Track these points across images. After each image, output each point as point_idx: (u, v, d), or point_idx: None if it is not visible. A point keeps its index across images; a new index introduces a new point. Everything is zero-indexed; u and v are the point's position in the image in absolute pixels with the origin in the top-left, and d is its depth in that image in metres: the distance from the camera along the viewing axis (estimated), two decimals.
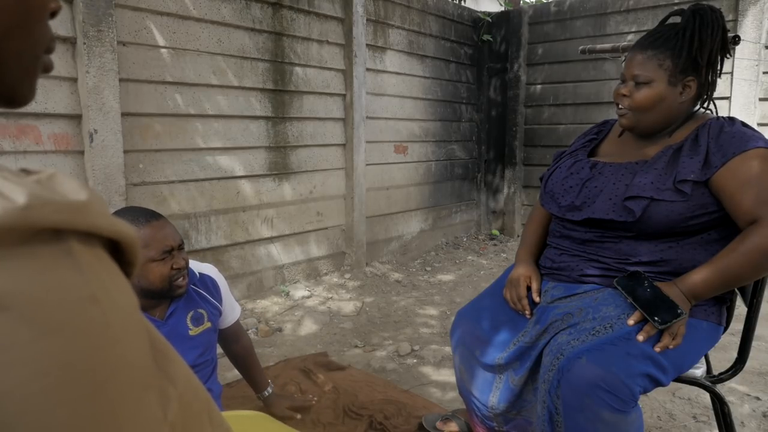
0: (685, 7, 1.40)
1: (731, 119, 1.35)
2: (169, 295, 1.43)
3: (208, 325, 1.55)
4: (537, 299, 1.44)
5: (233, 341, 1.72)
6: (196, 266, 1.61)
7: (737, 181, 1.23)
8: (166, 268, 1.37)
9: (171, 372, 0.43)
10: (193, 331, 1.52)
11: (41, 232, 0.30)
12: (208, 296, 1.57)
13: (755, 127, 3.82)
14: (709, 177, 1.27)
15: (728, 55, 1.39)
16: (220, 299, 1.61)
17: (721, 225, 1.31)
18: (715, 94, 1.41)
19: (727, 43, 1.37)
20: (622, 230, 1.34)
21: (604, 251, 1.38)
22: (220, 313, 1.61)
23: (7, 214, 0.28)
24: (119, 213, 1.41)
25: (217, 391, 1.63)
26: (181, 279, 1.41)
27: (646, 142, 1.44)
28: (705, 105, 1.42)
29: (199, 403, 0.46)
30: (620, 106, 1.41)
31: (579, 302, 1.34)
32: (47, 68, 0.44)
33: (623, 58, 1.42)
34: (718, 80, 1.40)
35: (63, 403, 0.28)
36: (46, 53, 0.43)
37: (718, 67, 1.38)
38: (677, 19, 1.40)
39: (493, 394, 1.43)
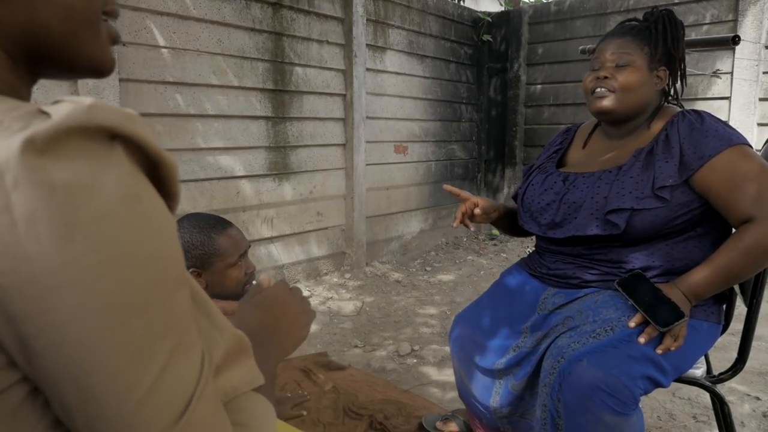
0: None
1: (698, 114, 1.33)
2: (237, 299, 1.46)
3: None
4: (477, 212, 1.51)
5: None
6: None
7: (724, 181, 1.23)
8: (241, 272, 1.39)
9: (216, 320, 0.48)
10: None
11: (100, 135, 0.36)
12: None
13: (755, 127, 3.82)
14: (687, 177, 1.27)
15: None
16: None
17: (706, 220, 1.31)
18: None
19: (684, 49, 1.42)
20: (608, 241, 1.34)
21: (597, 260, 1.37)
22: None
23: (76, 111, 0.35)
24: (186, 219, 1.41)
25: None
26: (250, 283, 1.44)
27: (614, 145, 1.43)
28: (671, 101, 1.44)
29: (238, 356, 0.50)
30: (599, 89, 1.37)
31: (579, 305, 1.33)
32: (114, 37, 0.51)
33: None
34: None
35: (110, 277, 0.34)
36: (107, 15, 0.50)
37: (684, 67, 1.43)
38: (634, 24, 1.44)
39: (493, 398, 1.43)
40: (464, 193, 1.55)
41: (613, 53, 1.36)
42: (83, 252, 0.33)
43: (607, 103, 1.36)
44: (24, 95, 0.46)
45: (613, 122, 1.42)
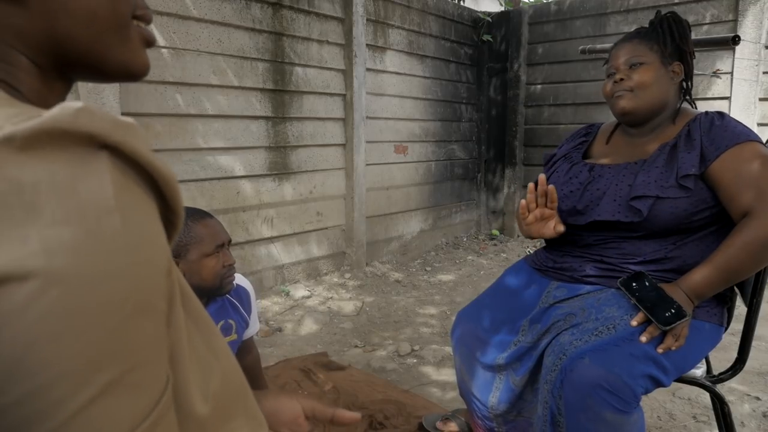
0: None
1: (720, 113, 1.38)
2: (219, 293, 1.44)
3: (234, 337, 1.55)
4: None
5: (246, 353, 1.72)
6: None
7: (730, 174, 1.26)
8: (218, 264, 1.38)
9: (214, 345, 0.46)
10: None
11: (87, 142, 0.34)
12: (240, 307, 1.57)
13: (755, 127, 3.82)
14: (704, 170, 1.30)
15: (693, 55, 1.48)
16: (249, 311, 1.60)
17: (722, 220, 1.33)
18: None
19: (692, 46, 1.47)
20: (627, 230, 1.35)
21: (608, 252, 1.38)
22: (246, 325, 1.60)
23: (62, 114, 0.33)
24: None
25: None
26: (230, 276, 1.43)
27: (639, 141, 1.46)
28: (687, 97, 1.48)
29: (237, 385, 0.48)
30: (617, 93, 1.42)
31: (581, 302, 1.34)
32: (148, 41, 0.50)
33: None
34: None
35: (60, 283, 0.32)
36: (138, 20, 0.49)
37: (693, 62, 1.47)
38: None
39: (493, 394, 1.43)
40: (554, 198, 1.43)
41: (625, 56, 1.42)
42: (34, 254, 0.31)
43: (626, 102, 1.41)
44: (52, 101, 0.45)
45: (636, 124, 1.46)
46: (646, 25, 1.49)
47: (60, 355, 0.32)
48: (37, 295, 0.31)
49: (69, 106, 0.34)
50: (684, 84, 1.46)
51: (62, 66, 0.45)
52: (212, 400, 0.41)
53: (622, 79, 1.41)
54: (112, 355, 0.34)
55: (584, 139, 1.61)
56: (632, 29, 1.53)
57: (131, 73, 0.49)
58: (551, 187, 1.40)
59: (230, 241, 1.44)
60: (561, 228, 1.41)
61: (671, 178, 1.31)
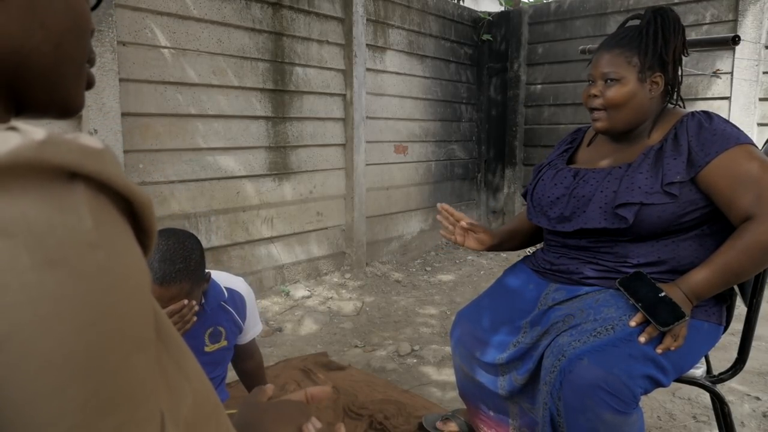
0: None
1: (707, 114, 1.35)
2: None
3: (224, 343, 1.53)
4: (464, 224, 1.60)
5: (247, 357, 1.70)
6: (226, 280, 1.57)
7: (727, 178, 1.24)
8: None
9: (185, 367, 0.43)
10: (209, 347, 1.49)
11: (56, 174, 0.31)
12: (233, 313, 1.54)
13: (755, 127, 3.82)
14: (694, 175, 1.28)
15: (686, 53, 1.42)
16: (244, 317, 1.57)
17: (713, 219, 1.32)
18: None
19: (686, 44, 1.40)
20: (616, 235, 1.34)
21: (602, 255, 1.38)
22: (240, 330, 1.58)
23: (24, 147, 0.30)
24: (182, 234, 1.32)
25: (223, 399, 1.62)
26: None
27: (623, 145, 1.44)
28: (673, 101, 1.44)
29: (209, 406, 0.46)
30: (594, 109, 1.40)
31: (580, 303, 1.34)
32: (90, 81, 0.50)
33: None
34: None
35: (52, 332, 0.29)
36: (88, 63, 0.49)
37: (681, 65, 1.42)
38: (636, 22, 1.43)
39: (501, 385, 1.43)
40: (458, 214, 1.62)
41: (603, 69, 1.38)
42: (19, 304, 0.28)
43: (600, 124, 1.40)
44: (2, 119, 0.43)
45: (615, 137, 1.45)
46: (637, 19, 1.43)
47: (65, 409, 0.30)
48: (28, 350, 0.29)
49: (31, 134, 0.31)
50: (669, 88, 1.40)
51: (15, 88, 0.43)
52: (183, 425, 0.39)
53: (596, 96, 1.38)
54: (119, 397, 0.32)
55: (569, 146, 1.60)
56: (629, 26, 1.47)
57: (70, 109, 0.48)
58: (445, 205, 1.62)
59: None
60: (485, 238, 1.61)
61: (656, 184, 1.29)
